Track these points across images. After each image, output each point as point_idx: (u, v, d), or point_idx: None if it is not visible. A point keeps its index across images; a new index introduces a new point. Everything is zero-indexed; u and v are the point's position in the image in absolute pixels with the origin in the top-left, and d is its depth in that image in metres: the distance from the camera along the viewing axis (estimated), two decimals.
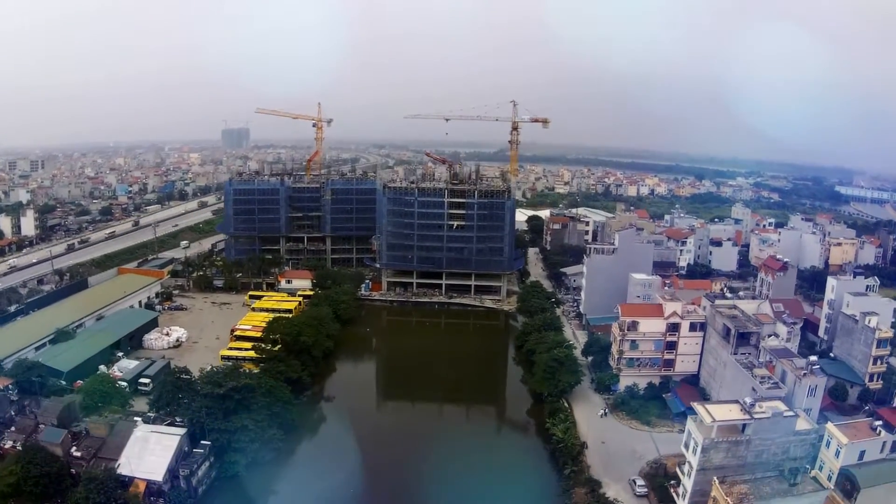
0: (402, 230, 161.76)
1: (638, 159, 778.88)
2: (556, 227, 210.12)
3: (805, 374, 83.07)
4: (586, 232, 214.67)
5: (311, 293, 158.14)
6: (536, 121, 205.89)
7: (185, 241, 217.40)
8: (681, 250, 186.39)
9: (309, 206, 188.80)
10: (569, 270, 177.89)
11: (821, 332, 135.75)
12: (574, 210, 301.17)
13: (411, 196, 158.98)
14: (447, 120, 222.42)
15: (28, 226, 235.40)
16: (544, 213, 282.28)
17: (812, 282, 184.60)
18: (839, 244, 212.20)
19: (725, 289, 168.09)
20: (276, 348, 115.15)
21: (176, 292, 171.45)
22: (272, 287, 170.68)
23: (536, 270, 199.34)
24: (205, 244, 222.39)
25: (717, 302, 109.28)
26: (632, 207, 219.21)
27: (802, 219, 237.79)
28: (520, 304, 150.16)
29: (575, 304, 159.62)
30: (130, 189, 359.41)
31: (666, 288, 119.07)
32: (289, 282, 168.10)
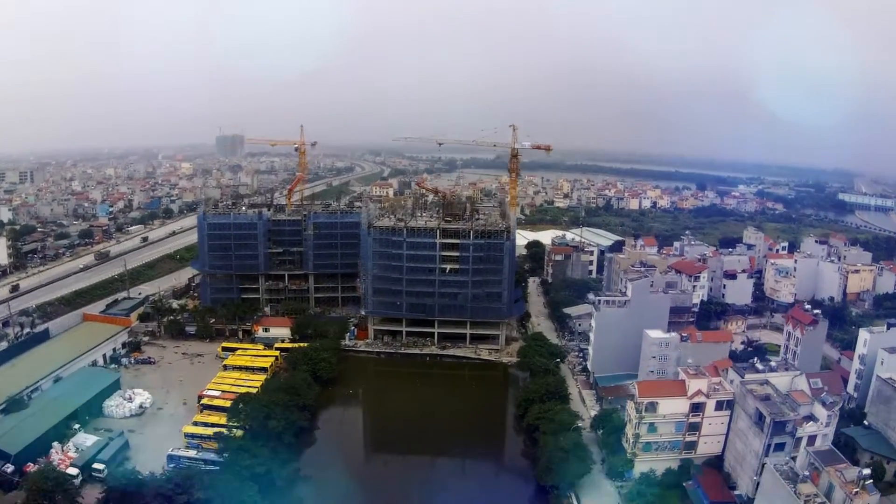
0: (389, 274, 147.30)
1: (637, 164, 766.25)
2: (558, 258, 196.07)
3: (857, 491, 69.29)
4: (590, 262, 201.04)
5: (290, 346, 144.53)
6: (538, 147, 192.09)
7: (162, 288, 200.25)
8: (693, 286, 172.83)
9: (290, 241, 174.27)
10: (573, 311, 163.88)
11: (850, 388, 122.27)
12: (576, 231, 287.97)
13: (399, 237, 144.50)
14: (440, 144, 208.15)
15: (1, 253, 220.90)
16: (545, 236, 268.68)
17: (833, 318, 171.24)
18: (857, 271, 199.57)
19: (746, 337, 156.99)
20: (244, 430, 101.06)
21: (146, 339, 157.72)
22: (248, 334, 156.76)
23: (537, 307, 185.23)
24: (182, 276, 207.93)
25: (748, 377, 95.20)
26: (641, 244, 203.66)
27: (816, 241, 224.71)
28: (520, 360, 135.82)
29: (581, 355, 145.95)
30: (112, 209, 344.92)
31: (689, 362, 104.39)
32: (266, 330, 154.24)
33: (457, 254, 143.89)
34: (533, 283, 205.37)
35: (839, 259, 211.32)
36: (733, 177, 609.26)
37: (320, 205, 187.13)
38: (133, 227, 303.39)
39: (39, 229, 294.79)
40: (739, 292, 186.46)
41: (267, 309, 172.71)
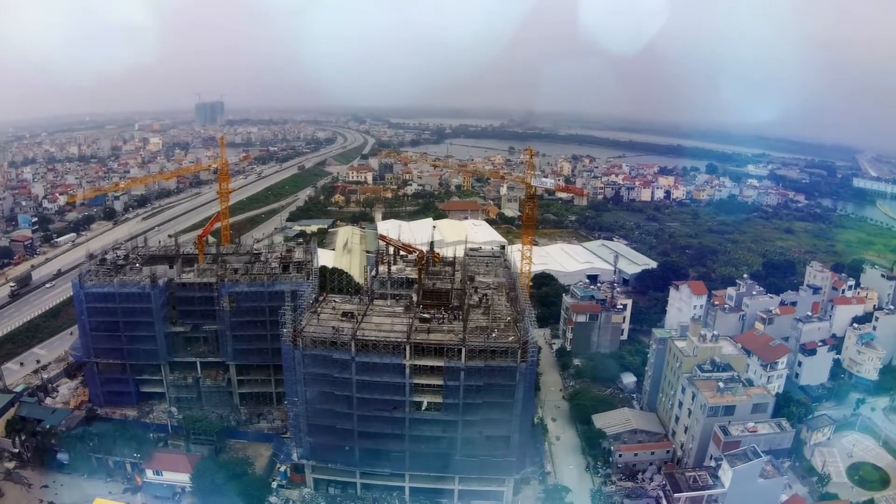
0: (331, 406, 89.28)
1: (635, 134, 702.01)
2: (581, 318, 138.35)
3: None
4: (623, 319, 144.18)
5: None
6: (568, 190, 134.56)
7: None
8: (769, 377, 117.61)
9: (202, 313, 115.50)
10: (607, 426, 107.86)
11: None
12: (591, 245, 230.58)
13: (345, 355, 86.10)
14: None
15: None
16: (553, 255, 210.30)
17: None
18: None
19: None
20: None
21: (11, 465, 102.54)
22: (135, 467, 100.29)
23: (554, 392, 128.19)
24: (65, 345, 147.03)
25: None
26: (688, 291, 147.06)
27: (883, 275, 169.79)
28: None
29: None
30: (46, 210, 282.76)
31: None
32: (158, 473, 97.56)
33: (439, 381, 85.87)
34: (543, 340, 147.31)
35: None
36: (738, 153, 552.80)
37: (245, 257, 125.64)
38: (63, 238, 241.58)
39: None
40: (817, 371, 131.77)
41: (174, 409, 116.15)
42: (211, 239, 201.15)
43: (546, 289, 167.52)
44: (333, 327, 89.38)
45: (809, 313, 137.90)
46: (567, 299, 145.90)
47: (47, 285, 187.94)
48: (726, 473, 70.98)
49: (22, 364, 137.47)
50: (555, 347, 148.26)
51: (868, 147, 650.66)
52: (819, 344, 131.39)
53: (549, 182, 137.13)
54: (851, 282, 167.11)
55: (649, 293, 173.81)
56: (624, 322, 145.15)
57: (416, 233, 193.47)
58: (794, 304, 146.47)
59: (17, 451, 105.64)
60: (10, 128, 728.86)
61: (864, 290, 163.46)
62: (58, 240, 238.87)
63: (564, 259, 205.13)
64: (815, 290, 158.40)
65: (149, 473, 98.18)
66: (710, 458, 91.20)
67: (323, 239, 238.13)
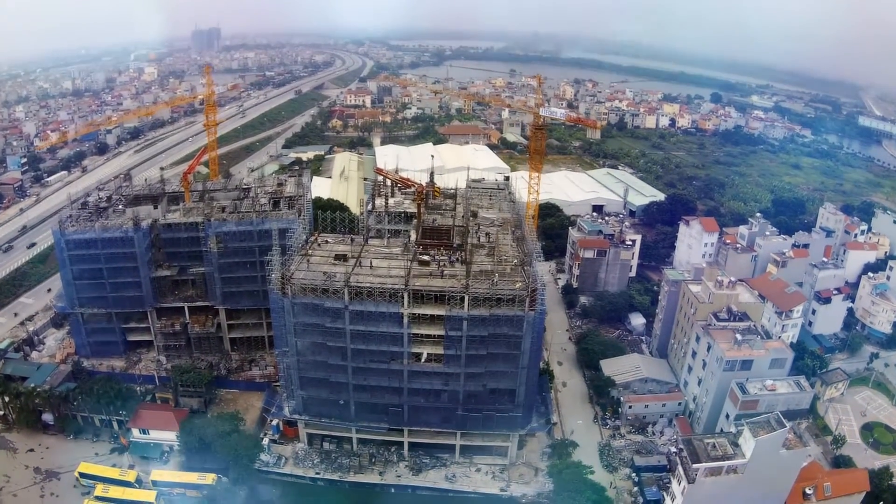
0: (324, 357, 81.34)
1: (638, 60, 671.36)
2: (589, 254, 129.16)
3: None
4: (632, 255, 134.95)
5: (171, 479, 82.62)
6: (579, 122, 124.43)
7: None
8: (784, 325, 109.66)
9: (188, 255, 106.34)
10: (616, 374, 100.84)
11: None
12: (596, 173, 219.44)
13: (339, 304, 77.29)
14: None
15: None
16: (557, 182, 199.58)
17: None
18: None
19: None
20: None
21: None
22: (122, 425, 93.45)
23: (561, 334, 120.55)
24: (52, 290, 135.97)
25: None
26: (699, 227, 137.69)
27: (895, 222, 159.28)
28: None
29: (636, 477, 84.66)
30: (25, 159, 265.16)
31: None
32: (144, 432, 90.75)
33: (440, 331, 77.42)
34: (549, 274, 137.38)
35: None
36: (742, 82, 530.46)
37: (234, 193, 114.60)
38: (54, 177, 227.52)
39: None
40: (831, 320, 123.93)
41: (162, 358, 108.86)
42: (203, 170, 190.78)
43: (551, 220, 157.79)
44: (325, 272, 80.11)
45: (824, 258, 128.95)
46: (574, 233, 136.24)
47: None
48: (748, 443, 63.29)
49: (16, 314, 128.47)
50: (560, 283, 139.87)
51: (871, 84, 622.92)
52: (834, 292, 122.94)
53: (560, 113, 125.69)
54: (864, 226, 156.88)
55: (657, 226, 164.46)
56: (633, 259, 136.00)
57: (415, 159, 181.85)
58: (806, 246, 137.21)
59: (1, 413, 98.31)
60: (4, 66, 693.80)
61: (876, 236, 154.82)
62: (48, 179, 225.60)
63: (569, 188, 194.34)
64: (828, 232, 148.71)
65: (135, 432, 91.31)
66: (726, 416, 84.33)
67: (319, 166, 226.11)
